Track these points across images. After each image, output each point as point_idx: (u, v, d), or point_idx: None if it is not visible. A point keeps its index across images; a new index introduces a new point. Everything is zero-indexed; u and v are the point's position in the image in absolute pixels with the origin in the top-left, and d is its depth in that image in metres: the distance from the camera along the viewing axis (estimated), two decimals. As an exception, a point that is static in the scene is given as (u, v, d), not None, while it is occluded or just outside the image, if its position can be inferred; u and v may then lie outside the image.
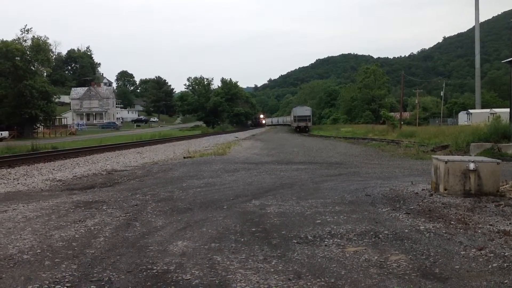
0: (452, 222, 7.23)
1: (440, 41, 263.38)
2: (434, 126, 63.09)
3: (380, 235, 6.60)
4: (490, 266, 5.17)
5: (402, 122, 63.35)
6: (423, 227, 7.02)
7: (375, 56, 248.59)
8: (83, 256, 5.84)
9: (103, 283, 4.89)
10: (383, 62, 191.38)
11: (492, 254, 5.57)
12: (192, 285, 4.82)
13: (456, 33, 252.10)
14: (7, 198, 10.93)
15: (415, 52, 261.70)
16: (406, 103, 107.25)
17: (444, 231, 6.71)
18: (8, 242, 6.51)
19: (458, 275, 4.94)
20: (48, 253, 5.95)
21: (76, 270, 5.29)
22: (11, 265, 5.49)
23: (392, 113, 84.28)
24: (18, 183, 13.73)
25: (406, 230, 6.84)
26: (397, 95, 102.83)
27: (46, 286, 4.79)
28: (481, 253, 5.61)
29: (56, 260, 5.67)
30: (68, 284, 4.84)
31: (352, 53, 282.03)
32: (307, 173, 15.33)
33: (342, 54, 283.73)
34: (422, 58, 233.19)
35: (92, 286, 4.79)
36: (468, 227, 6.90)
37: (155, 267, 5.39)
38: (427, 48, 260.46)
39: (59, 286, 4.78)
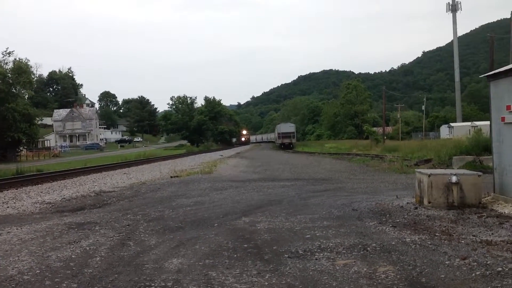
0: (437, 234, 7.52)
1: (420, 55, 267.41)
2: (417, 140, 63.96)
3: (368, 248, 6.86)
4: (473, 274, 5.45)
5: (385, 137, 64.18)
6: (409, 239, 7.29)
7: (356, 72, 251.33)
8: (81, 275, 6.00)
9: (104, 300, 5.07)
10: (364, 78, 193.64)
11: (475, 263, 5.85)
12: (191, 300, 5.02)
13: (435, 47, 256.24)
14: (-2, 221, 11.00)
15: (395, 67, 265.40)
16: (388, 117, 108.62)
17: (429, 243, 7.00)
18: (7, 263, 6.64)
19: (444, 283, 5.21)
20: (47, 273, 6.10)
21: (77, 289, 5.46)
22: (13, 285, 5.63)
23: (375, 128, 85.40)
24: (8, 207, 13.77)
25: (393, 242, 7.10)
26: (379, 110, 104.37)
27: (49, 305, 4.95)
28: (464, 262, 5.89)
29: (56, 279, 5.83)
30: (70, 303, 5.01)
31: (333, 69, 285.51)
32: (294, 190, 15.60)
33: (324, 70, 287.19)
34: (402, 73, 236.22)
35: (93, 304, 4.96)
36: (452, 238, 7.19)
37: (153, 284, 5.58)
38: (407, 62, 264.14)
39: (62, 305, 4.95)
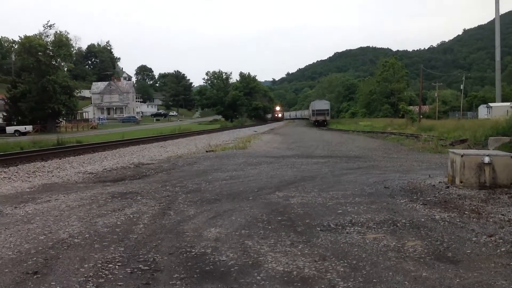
0: (466, 212, 7.71)
1: (460, 33, 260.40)
2: (454, 119, 62.82)
3: (398, 224, 7.11)
4: (498, 251, 5.67)
5: (421, 116, 63.34)
6: (439, 216, 7.51)
7: (394, 49, 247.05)
8: (127, 240, 6.47)
9: (149, 263, 5.51)
10: (402, 55, 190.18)
11: (501, 240, 6.06)
12: (228, 265, 5.40)
13: (476, 25, 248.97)
14: (45, 189, 11.65)
15: (434, 44, 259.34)
16: (425, 96, 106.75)
17: (458, 220, 7.21)
18: (58, 228, 7.17)
19: (469, 258, 5.45)
20: (95, 238, 6.59)
21: (124, 252, 5.92)
22: (65, 247, 6.13)
23: (411, 107, 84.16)
24: (53, 176, 14.48)
25: (423, 219, 7.33)
26: (416, 89, 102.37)
27: (99, 265, 5.42)
28: (491, 239, 6.11)
29: (104, 243, 6.31)
30: (119, 264, 5.46)
31: (370, 46, 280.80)
32: (327, 167, 15.82)
33: (361, 47, 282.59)
34: (442, 51, 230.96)
35: (140, 265, 5.40)
36: (481, 217, 7.37)
37: (193, 250, 5.99)
38: (447, 40, 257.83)
39: (112, 265, 5.40)
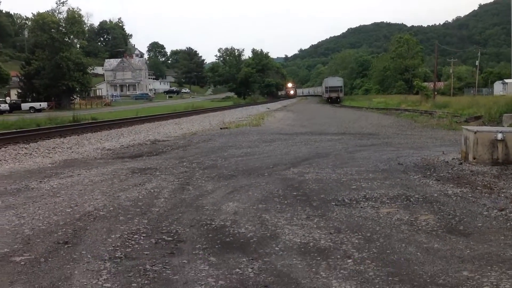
0: (478, 188, 7.89)
1: (476, 8, 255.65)
2: (469, 96, 62.40)
3: (411, 199, 7.31)
4: (508, 224, 5.87)
5: (436, 93, 62.87)
6: (451, 191, 7.70)
7: (409, 25, 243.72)
8: (150, 213, 6.75)
9: (172, 234, 5.79)
10: (417, 31, 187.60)
11: (511, 214, 6.25)
12: (247, 237, 5.66)
13: (492, 0, 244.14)
14: (66, 165, 11.99)
15: (449, 20, 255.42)
16: (440, 72, 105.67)
17: (470, 195, 7.40)
18: (83, 201, 7.48)
19: (480, 231, 5.67)
20: (120, 211, 6.89)
21: (147, 224, 6.21)
22: (92, 219, 6.43)
23: (425, 83, 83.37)
24: (72, 152, 14.83)
25: (435, 194, 7.53)
26: (431, 65, 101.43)
27: (125, 235, 5.71)
28: (501, 213, 6.30)
29: (128, 216, 6.60)
30: (143, 235, 5.75)
31: (384, 21, 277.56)
32: (341, 143, 15.99)
33: (375, 22, 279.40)
34: (457, 27, 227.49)
35: (163, 236, 5.68)
36: (493, 192, 7.55)
37: (213, 223, 6.25)
38: (462, 16, 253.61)
39: (137, 236, 5.69)
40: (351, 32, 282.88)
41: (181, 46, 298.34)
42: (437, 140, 16.97)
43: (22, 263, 4.86)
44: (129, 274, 4.55)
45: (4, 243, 5.48)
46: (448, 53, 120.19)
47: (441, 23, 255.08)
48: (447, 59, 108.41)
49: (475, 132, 9.94)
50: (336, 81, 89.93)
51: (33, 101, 64.50)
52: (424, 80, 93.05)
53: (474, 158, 9.94)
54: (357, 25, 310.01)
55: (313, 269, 4.61)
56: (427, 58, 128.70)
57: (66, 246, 5.35)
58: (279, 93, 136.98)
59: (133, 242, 5.48)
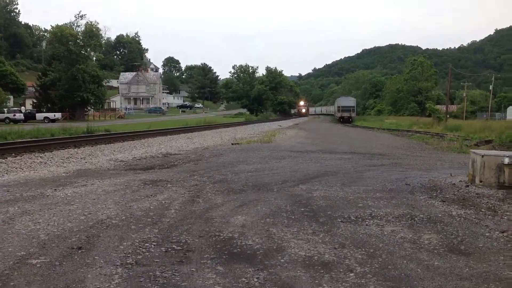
0: (482, 210, 8.03)
1: (492, 33, 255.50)
2: (481, 120, 62.27)
3: (416, 218, 7.46)
4: (509, 245, 6.02)
5: (448, 116, 62.84)
6: (455, 212, 7.84)
7: (423, 47, 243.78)
8: (160, 223, 6.97)
9: (181, 243, 5.99)
10: (432, 54, 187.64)
11: (512, 236, 6.39)
12: (254, 249, 5.85)
13: (508, 26, 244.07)
14: (80, 174, 12.28)
15: (465, 44, 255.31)
16: (453, 96, 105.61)
17: (474, 217, 7.54)
18: (97, 210, 7.73)
19: (480, 251, 5.82)
20: (131, 220, 7.11)
21: (158, 233, 6.42)
22: (105, 227, 6.67)
23: (438, 106, 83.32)
24: (86, 162, 15.15)
25: (440, 215, 7.68)
26: (445, 88, 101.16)
27: (137, 243, 5.92)
28: (503, 235, 6.45)
29: (140, 225, 6.82)
30: (154, 243, 5.96)
31: (399, 43, 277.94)
32: (351, 163, 16.15)
33: (390, 44, 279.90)
34: (472, 51, 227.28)
35: (173, 246, 5.88)
36: (496, 214, 7.69)
37: (221, 234, 6.45)
38: (477, 40, 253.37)
39: (148, 244, 5.90)
40: (366, 53, 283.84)
41: (196, 61, 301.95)
42: (446, 163, 17.07)
43: (38, 265, 5.09)
44: (139, 280, 4.76)
45: (21, 246, 5.72)
46: (462, 76, 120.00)
47: (456, 47, 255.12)
48: (461, 83, 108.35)
49: (482, 156, 10.09)
50: (348, 101, 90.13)
51: (47, 111, 65.41)
52: (437, 103, 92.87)
53: (481, 181, 10.07)
54: (372, 46, 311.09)
55: (316, 281, 4.79)
56: (440, 81, 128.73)
57: (79, 251, 5.58)
58: (292, 111, 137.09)
59: (144, 250, 5.70)
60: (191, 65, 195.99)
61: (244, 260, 5.41)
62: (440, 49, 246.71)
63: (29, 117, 59.49)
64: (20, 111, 60.78)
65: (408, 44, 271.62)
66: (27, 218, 7.12)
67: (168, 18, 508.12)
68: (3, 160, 14.75)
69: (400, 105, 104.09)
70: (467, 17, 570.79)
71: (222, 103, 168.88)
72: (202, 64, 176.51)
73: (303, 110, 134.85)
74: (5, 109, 57.13)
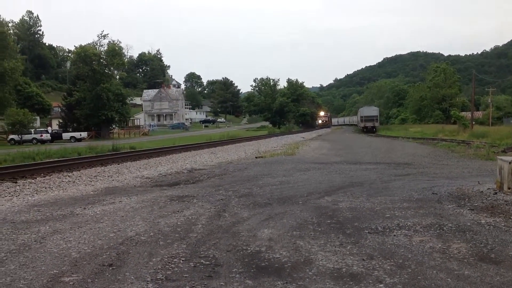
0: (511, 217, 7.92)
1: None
2: (508, 126, 61.19)
3: (444, 228, 7.40)
4: (541, 253, 5.92)
5: (473, 122, 61.99)
6: (484, 221, 7.75)
7: (446, 54, 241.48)
8: (188, 238, 7.05)
9: (209, 258, 6.05)
10: (454, 60, 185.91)
11: (544, 244, 6.29)
12: (282, 262, 5.87)
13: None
14: (108, 192, 12.47)
15: (487, 49, 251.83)
16: (478, 102, 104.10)
17: (503, 225, 7.45)
18: (125, 227, 7.85)
19: (511, 259, 5.73)
20: (160, 236, 7.21)
21: (186, 248, 6.50)
22: (134, 244, 6.77)
23: (463, 113, 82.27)
24: (113, 180, 15.37)
25: (469, 224, 7.60)
26: (469, 94, 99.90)
27: (166, 259, 6.00)
28: (534, 243, 6.35)
29: (168, 241, 6.91)
30: (183, 258, 6.03)
31: (421, 51, 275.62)
32: (376, 173, 16.05)
33: (411, 52, 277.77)
34: (495, 55, 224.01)
35: (201, 260, 5.95)
36: (526, 222, 7.57)
37: (249, 248, 6.49)
38: (500, 45, 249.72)
39: (176, 260, 5.98)
40: (387, 61, 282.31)
41: (217, 76, 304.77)
42: (473, 170, 16.84)
43: (71, 283, 5.20)
44: (170, 295, 4.82)
45: (54, 264, 5.85)
46: (487, 82, 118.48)
47: (479, 52, 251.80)
48: (485, 88, 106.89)
49: (510, 163, 9.95)
50: (371, 111, 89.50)
51: (73, 130, 66.50)
52: (462, 110, 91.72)
53: (509, 188, 9.92)
54: (393, 54, 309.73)
55: (345, 293, 4.79)
56: (464, 88, 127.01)
57: (110, 268, 5.68)
58: (315, 122, 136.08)
59: (173, 265, 5.77)
60: (213, 79, 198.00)
61: (273, 274, 5.44)
62: (463, 55, 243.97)
63: (56, 137, 60.50)
64: (47, 132, 61.88)
65: (430, 51, 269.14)
66: (58, 237, 7.27)
67: (189, 34, 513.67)
68: (33, 180, 15.07)
69: (424, 113, 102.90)
70: (489, 22, 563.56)
71: (244, 117, 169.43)
72: (223, 78, 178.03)
73: (324, 121, 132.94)
74: (32, 130, 58.18)
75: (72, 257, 6.16)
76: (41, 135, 57.22)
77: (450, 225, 7.55)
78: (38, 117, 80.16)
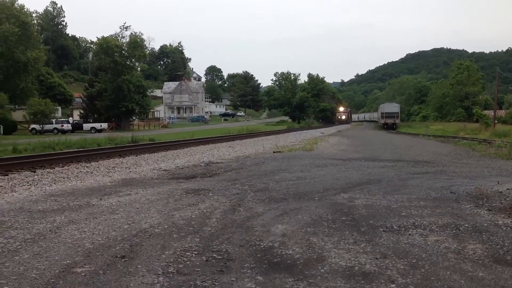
0: (531, 219, 7.76)
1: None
2: (531, 125, 60.10)
3: (461, 228, 7.29)
4: (559, 257, 5.79)
5: (496, 121, 61.09)
6: (502, 222, 7.62)
7: (470, 51, 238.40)
8: (202, 232, 7.06)
9: (222, 252, 6.05)
10: (478, 57, 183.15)
11: None
12: (294, 258, 5.84)
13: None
14: (125, 183, 12.58)
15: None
16: (501, 100, 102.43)
17: (521, 226, 7.31)
18: (140, 218, 7.90)
19: (528, 262, 5.63)
20: (174, 229, 7.23)
21: (199, 242, 6.51)
22: (147, 236, 6.80)
23: (486, 111, 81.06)
24: (130, 171, 15.49)
25: (486, 224, 7.47)
26: (493, 92, 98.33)
27: (178, 252, 6.02)
28: (552, 246, 6.21)
29: (182, 234, 6.93)
30: (195, 252, 6.04)
31: (445, 47, 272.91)
32: (394, 170, 15.89)
33: (434, 48, 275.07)
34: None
35: (214, 255, 5.95)
36: (545, 223, 7.42)
37: (262, 244, 6.48)
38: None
39: (189, 253, 5.99)
40: (410, 57, 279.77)
41: (238, 70, 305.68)
42: (493, 170, 16.57)
43: (83, 274, 5.24)
44: (180, 288, 4.83)
45: (67, 255, 5.90)
46: (511, 80, 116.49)
47: (504, 50, 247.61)
48: (509, 87, 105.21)
49: (531, 163, 9.77)
50: (392, 107, 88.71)
51: (94, 121, 67.23)
52: (484, 108, 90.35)
53: (530, 189, 9.74)
54: (416, 50, 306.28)
55: (356, 292, 4.75)
56: (488, 85, 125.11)
57: (123, 260, 5.71)
58: (335, 117, 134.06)
59: (185, 258, 5.78)
60: (233, 73, 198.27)
61: (284, 270, 5.42)
62: (487, 52, 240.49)
63: (77, 127, 61.21)
64: (68, 122, 62.69)
65: (453, 48, 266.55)
66: (73, 227, 7.34)
67: (210, 26, 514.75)
68: (51, 170, 15.26)
69: (446, 110, 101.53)
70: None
71: (264, 111, 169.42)
72: (244, 72, 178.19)
73: (343, 117, 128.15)
74: (53, 120, 58.94)
75: (85, 247, 6.22)
76: (62, 125, 57.96)
77: (467, 225, 7.44)
78: (59, 108, 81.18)
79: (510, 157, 22.45)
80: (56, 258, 5.77)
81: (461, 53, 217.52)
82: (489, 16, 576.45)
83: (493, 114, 65.89)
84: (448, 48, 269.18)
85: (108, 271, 5.31)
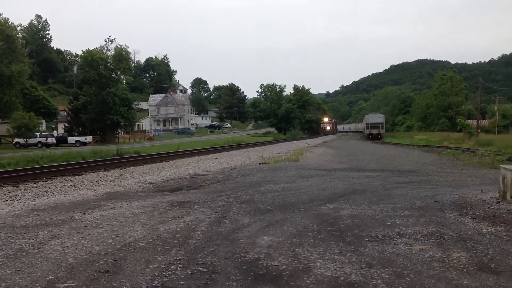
0: (514, 227, 7.83)
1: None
2: (514, 134, 60.82)
3: (445, 236, 7.33)
4: (542, 264, 5.84)
5: (479, 130, 61.74)
6: (486, 230, 7.68)
7: (453, 62, 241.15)
8: (187, 245, 7.01)
9: (207, 265, 6.01)
10: (461, 68, 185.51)
11: (546, 254, 6.21)
12: (280, 270, 5.82)
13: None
14: (109, 197, 12.47)
15: (495, 57, 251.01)
16: (484, 110, 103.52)
17: (504, 234, 7.37)
18: (124, 232, 7.83)
19: (511, 269, 5.66)
20: (158, 242, 7.18)
21: (184, 255, 6.46)
22: (132, 250, 6.74)
23: (469, 121, 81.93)
24: (115, 185, 15.37)
25: (470, 233, 7.52)
26: (476, 102, 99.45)
27: (163, 266, 5.97)
28: (535, 253, 6.26)
29: (166, 247, 6.87)
30: (180, 265, 5.99)
31: (428, 58, 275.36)
32: (379, 180, 15.97)
33: (418, 60, 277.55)
34: (503, 64, 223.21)
35: (199, 267, 5.91)
36: (528, 231, 7.49)
37: (247, 255, 6.45)
38: (508, 53, 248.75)
39: (174, 266, 5.94)
40: (394, 68, 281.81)
41: (224, 82, 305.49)
42: (477, 179, 16.74)
43: (66, 289, 5.16)
44: (164, 302, 4.78)
45: (50, 270, 5.82)
46: (493, 90, 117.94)
47: (486, 61, 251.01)
48: (492, 97, 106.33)
49: (513, 171, 9.87)
50: (377, 118, 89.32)
51: (79, 134, 66.65)
52: (468, 118, 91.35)
53: (512, 197, 9.84)
54: (400, 61, 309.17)
55: (342, 303, 4.73)
56: (471, 96, 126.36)
57: (106, 274, 5.65)
58: (320, 128, 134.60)
59: (170, 272, 5.73)
60: (219, 85, 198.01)
61: (269, 282, 5.39)
62: (470, 63, 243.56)
63: (61, 141, 60.57)
64: (52, 135, 61.99)
65: (437, 59, 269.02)
66: (56, 242, 7.25)
67: (196, 38, 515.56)
68: (35, 185, 15.09)
69: (430, 120, 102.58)
70: (497, 31, 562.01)
71: (250, 123, 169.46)
72: (229, 84, 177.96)
73: (328, 128, 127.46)
74: (38, 134, 58.34)
75: (68, 263, 6.14)
76: (47, 139, 57.29)
77: (451, 234, 7.49)
78: (44, 121, 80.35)
79: (493, 166, 22.67)
80: (39, 274, 5.69)
81: (445, 64, 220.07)
82: (472, 27, 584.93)
83: (476, 123, 66.57)
84: (432, 59, 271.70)
85: (91, 286, 5.24)
